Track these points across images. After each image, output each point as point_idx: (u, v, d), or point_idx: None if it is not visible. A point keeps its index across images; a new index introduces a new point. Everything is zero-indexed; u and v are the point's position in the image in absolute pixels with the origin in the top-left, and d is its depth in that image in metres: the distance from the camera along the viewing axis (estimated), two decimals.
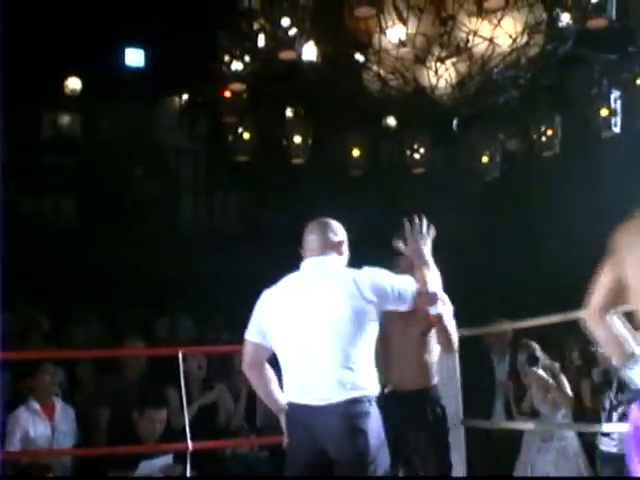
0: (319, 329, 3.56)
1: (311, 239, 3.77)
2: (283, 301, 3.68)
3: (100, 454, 5.76)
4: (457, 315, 4.16)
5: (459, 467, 5.78)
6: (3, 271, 4.14)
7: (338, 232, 3.80)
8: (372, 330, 3.63)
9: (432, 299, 3.78)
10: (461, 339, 4.23)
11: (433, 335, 4.25)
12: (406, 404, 4.20)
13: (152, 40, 11.57)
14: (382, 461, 3.53)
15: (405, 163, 8.48)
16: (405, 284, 3.71)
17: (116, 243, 11.00)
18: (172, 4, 9.98)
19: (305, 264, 3.77)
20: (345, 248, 3.82)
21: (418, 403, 4.23)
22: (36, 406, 5.78)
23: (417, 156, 8.33)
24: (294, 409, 3.62)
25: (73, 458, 5.97)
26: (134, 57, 12.20)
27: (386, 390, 4.11)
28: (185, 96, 11.69)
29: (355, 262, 3.79)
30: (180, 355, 5.55)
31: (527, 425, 6.28)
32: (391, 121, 8.81)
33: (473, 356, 6.32)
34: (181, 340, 8.72)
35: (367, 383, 3.58)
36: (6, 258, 9.84)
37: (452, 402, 5.93)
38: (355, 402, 3.50)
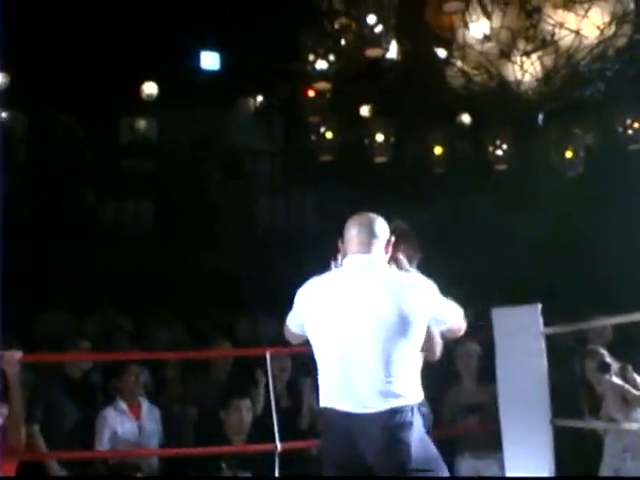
0: (365, 333, 3.42)
1: (357, 234, 3.58)
2: (327, 299, 3.52)
3: (187, 454, 5.80)
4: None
5: (546, 466, 5.72)
6: (3, 273, 4.19)
7: (384, 229, 3.62)
8: (418, 339, 3.48)
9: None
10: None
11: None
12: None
13: (227, 43, 11.65)
14: (431, 470, 3.44)
15: (486, 160, 8.38)
16: (454, 307, 3.64)
17: (195, 246, 11.09)
18: (245, 6, 10.03)
19: (351, 261, 3.59)
20: (389, 247, 3.64)
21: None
22: (123, 406, 5.86)
23: (499, 152, 8.22)
24: (333, 414, 3.46)
25: (160, 457, 6.02)
26: (209, 60, 12.32)
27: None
28: (261, 97, 11.72)
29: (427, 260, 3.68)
30: (268, 355, 5.57)
31: (615, 425, 6.10)
32: (470, 117, 8.70)
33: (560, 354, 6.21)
34: (262, 341, 8.73)
35: (410, 392, 3.44)
36: (90, 263, 10.02)
37: (540, 401, 5.87)
38: (398, 412, 3.37)
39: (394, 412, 3.37)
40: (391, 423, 3.36)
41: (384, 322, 3.40)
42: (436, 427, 6.50)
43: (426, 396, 6.31)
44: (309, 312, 3.55)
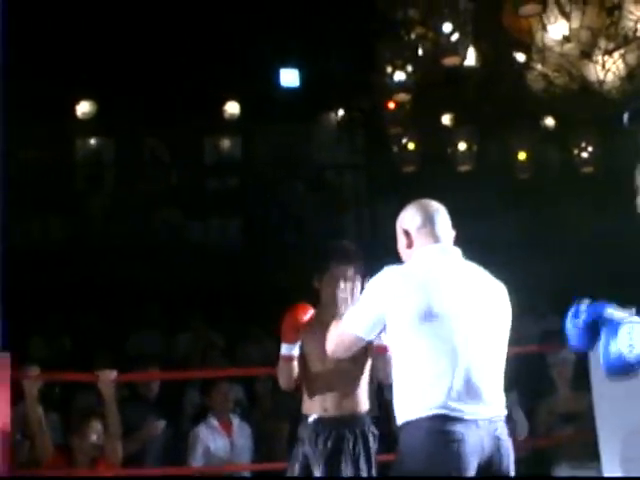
0: (488, 334, 3.14)
1: (440, 219, 3.29)
2: (437, 291, 3.12)
3: (278, 469, 5.80)
4: None
5: None
6: (3, 285, 4.21)
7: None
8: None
9: None
10: None
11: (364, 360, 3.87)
12: (341, 428, 3.85)
13: (306, 58, 11.74)
14: None
15: (572, 163, 8.22)
16: None
17: (282, 261, 11.15)
18: (322, 21, 10.08)
19: (443, 252, 3.26)
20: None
21: (353, 427, 3.86)
22: (215, 423, 5.90)
23: (585, 155, 8.05)
24: (449, 423, 3.03)
25: (252, 473, 6.06)
26: (289, 77, 12.42)
27: (315, 415, 3.87)
28: (342, 111, 11.74)
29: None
30: None
31: None
32: (553, 121, 8.55)
33: None
34: None
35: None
36: (180, 281, 10.16)
37: (638, 408, 5.70)
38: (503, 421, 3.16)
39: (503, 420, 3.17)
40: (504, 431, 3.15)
41: (501, 327, 3.22)
42: (531, 437, 6.47)
43: (521, 405, 6.19)
44: (413, 306, 3.10)
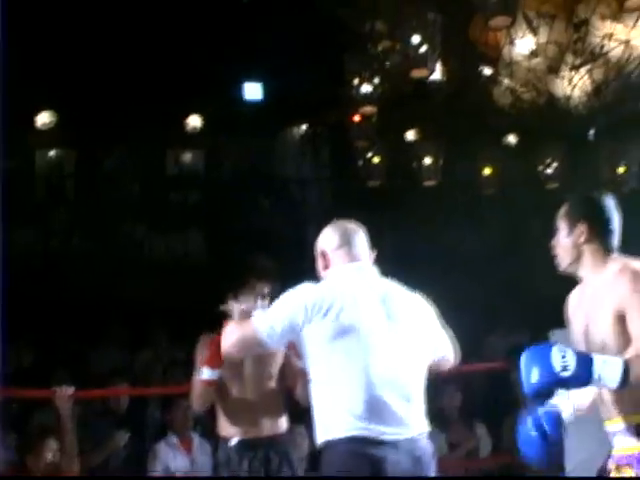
0: (405, 351, 3.12)
1: (358, 239, 3.32)
2: (356, 305, 3.10)
3: None
4: None
5: None
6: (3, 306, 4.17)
7: None
8: None
9: None
10: None
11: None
12: (263, 450, 3.85)
13: (270, 72, 11.68)
14: None
15: (537, 178, 8.24)
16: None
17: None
18: (287, 34, 10.04)
19: (358, 270, 3.24)
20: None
21: (275, 448, 3.88)
22: (174, 440, 5.82)
23: (549, 171, 8.08)
24: (367, 445, 2.97)
25: None
26: (253, 90, 12.34)
27: (237, 438, 3.85)
28: (306, 125, 11.70)
29: None
30: None
31: None
32: (519, 136, 8.57)
33: None
34: None
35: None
36: (142, 296, 10.01)
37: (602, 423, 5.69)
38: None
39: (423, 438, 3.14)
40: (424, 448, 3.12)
41: (419, 342, 3.21)
42: (496, 453, 6.43)
43: (487, 420, 6.15)
44: (329, 325, 3.07)
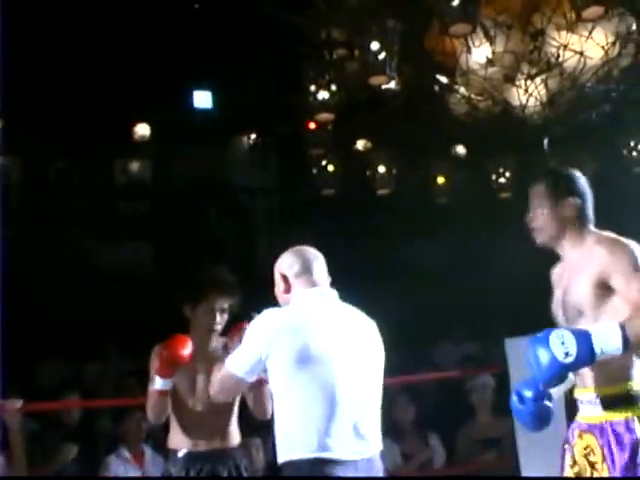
0: (364, 373, 3.24)
1: (318, 266, 3.40)
2: (318, 333, 3.19)
3: None
4: None
5: None
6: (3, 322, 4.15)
7: None
8: None
9: None
10: None
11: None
12: (212, 463, 3.88)
13: (220, 81, 11.61)
14: None
15: (490, 188, 8.27)
16: None
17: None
18: (238, 43, 9.97)
19: (319, 295, 3.34)
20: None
21: (225, 462, 3.90)
22: (126, 453, 5.74)
23: (503, 180, 8.11)
24: (328, 466, 3.08)
25: None
26: (202, 99, 12.28)
27: (185, 450, 3.87)
28: (256, 134, 11.64)
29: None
30: None
31: None
32: (474, 145, 8.61)
33: None
34: None
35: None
36: (90, 308, 9.84)
37: (559, 434, 5.70)
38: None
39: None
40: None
41: (378, 366, 3.34)
42: (452, 463, 6.42)
43: (440, 430, 6.17)
44: (293, 348, 3.14)
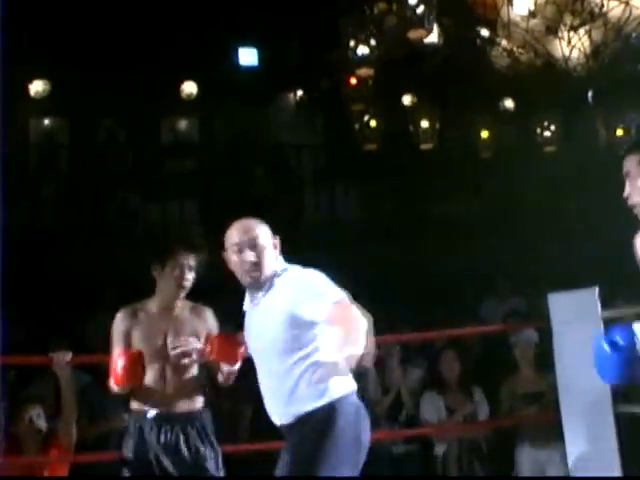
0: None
1: None
2: None
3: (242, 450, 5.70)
4: None
5: (611, 456, 5.51)
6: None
7: None
8: None
9: None
10: None
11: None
12: (181, 424, 3.95)
13: (265, 37, 11.57)
14: None
15: (535, 142, 8.18)
16: None
17: None
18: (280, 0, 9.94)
19: None
20: None
21: (193, 422, 3.98)
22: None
23: (547, 134, 8.02)
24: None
25: None
26: (248, 56, 12.24)
27: (154, 412, 3.93)
28: (302, 91, 11.59)
29: None
30: None
31: None
32: (517, 99, 8.50)
33: None
34: None
35: None
36: (136, 264, 9.98)
37: (601, 389, 5.67)
38: None
39: None
40: None
41: None
42: (494, 417, 6.43)
43: (484, 384, 6.15)
44: None
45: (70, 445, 4.55)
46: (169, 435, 3.87)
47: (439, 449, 6.25)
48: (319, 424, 3.21)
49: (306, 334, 3.24)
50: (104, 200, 11.67)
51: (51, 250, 10.38)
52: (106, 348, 6.04)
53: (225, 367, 3.93)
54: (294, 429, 3.27)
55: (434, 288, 8.63)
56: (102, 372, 5.94)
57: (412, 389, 6.56)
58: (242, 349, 3.79)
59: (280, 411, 3.32)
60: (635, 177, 2.97)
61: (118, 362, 3.83)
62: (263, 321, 3.33)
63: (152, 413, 3.91)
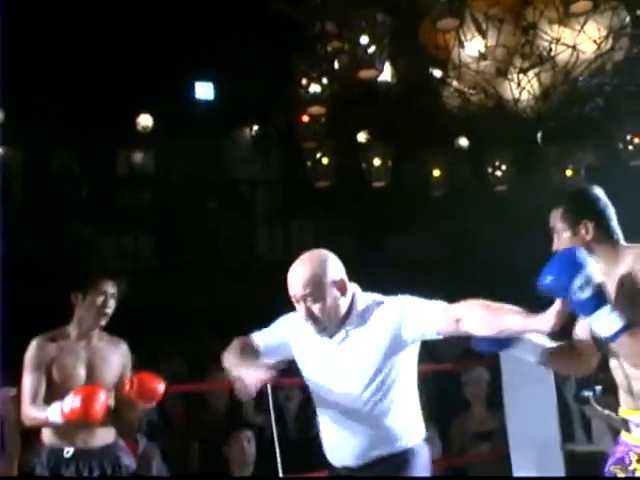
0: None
1: None
2: None
3: None
4: None
5: None
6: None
7: None
8: None
9: None
10: None
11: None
12: (97, 459, 3.90)
13: (221, 72, 11.62)
14: None
15: (486, 182, 8.26)
16: None
17: (194, 278, 10.95)
18: (238, 35, 9.98)
19: None
20: None
21: (107, 457, 3.93)
22: (121, 443, 5.73)
23: (498, 173, 8.11)
24: None
25: None
26: (204, 91, 12.28)
27: (72, 449, 3.86)
28: (257, 126, 11.64)
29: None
30: (269, 386, 5.40)
31: None
32: (468, 139, 8.59)
33: None
34: None
35: None
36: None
37: (549, 427, 5.73)
38: None
39: None
40: None
41: None
42: (445, 456, 6.44)
43: (435, 424, 6.15)
44: None
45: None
46: (90, 472, 3.82)
47: None
48: (399, 468, 3.13)
49: (395, 368, 3.16)
50: (58, 231, 11.57)
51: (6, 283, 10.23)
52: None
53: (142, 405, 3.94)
54: (369, 471, 3.15)
55: None
56: None
57: None
58: (160, 389, 3.88)
59: (355, 452, 3.18)
60: (560, 231, 3.02)
61: (77, 397, 3.68)
62: (352, 354, 3.18)
63: (69, 450, 3.85)
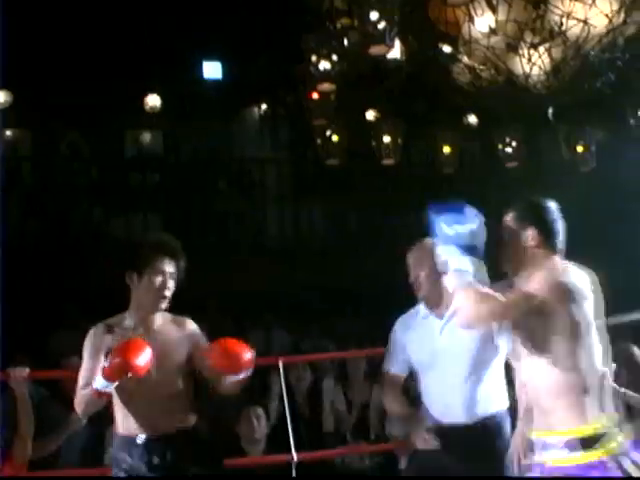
0: None
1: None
2: None
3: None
4: None
5: None
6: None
7: None
8: None
9: None
10: None
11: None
12: (172, 446, 3.59)
13: (229, 51, 11.58)
14: None
15: (497, 157, 8.23)
16: None
17: (203, 257, 10.94)
18: (246, 13, 9.95)
19: None
20: None
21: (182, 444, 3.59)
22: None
23: (509, 150, 8.08)
24: None
25: None
26: (212, 70, 12.25)
27: (143, 436, 3.57)
28: (266, 105, 11.59)
29: None
30: (280, 364, 5.41)
31: None
32: (478, 115, 8.55)
33: None
34: (277, 352, 8.57)
35: None
36: (100, 278, 9.90)
37: None
38: None
39: None
40: None
41: None
42: None
43: None
44: None
45: (24, 462, 4.47)
46: (161, 460, 3.55)
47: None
48: (497, 426, 3.71)
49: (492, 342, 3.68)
50: (67, 213, 11.59)
51: (13, 265, 10.26)
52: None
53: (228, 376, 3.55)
54: (472, 429, 3.67)
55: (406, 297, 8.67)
56: (61, 388, 5.91)
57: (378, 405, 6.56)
58: (246, 356, 3.48)
59: (462, 413, 3.69)
60: (507, 231, 3.32)
61: (116, 350, 3.37)
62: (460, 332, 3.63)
63: (141, 438, 3.59)
